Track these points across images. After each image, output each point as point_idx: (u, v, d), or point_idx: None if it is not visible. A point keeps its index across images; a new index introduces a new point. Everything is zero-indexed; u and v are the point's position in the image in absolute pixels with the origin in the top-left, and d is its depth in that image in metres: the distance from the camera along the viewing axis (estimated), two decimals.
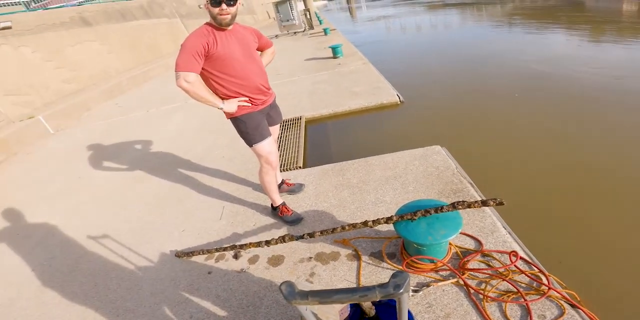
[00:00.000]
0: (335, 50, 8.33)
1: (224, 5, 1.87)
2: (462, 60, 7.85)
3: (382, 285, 0.80)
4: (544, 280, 1.75)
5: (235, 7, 1.93)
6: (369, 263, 2.07)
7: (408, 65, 8.00)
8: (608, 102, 4.47)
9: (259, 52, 2.35)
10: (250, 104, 2.19)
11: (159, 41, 12.50)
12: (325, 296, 0.84)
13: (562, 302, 1.63)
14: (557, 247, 2.30)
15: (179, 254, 2.46)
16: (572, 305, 1.62)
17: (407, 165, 3.03)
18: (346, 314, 1.40)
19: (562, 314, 1.58)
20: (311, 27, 15.57)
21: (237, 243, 2.38)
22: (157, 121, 6.01)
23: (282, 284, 0.89)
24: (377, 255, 2.11)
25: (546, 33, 9.91)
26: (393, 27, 16.67)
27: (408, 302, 0.93)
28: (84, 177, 4.26)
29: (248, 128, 2.24)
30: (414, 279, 1.89)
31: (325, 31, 13.11)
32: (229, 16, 1.93)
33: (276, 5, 14.24)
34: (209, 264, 2.35)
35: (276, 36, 15.45)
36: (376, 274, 1.99)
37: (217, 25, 1.97)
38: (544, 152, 3.44)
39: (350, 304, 1.39)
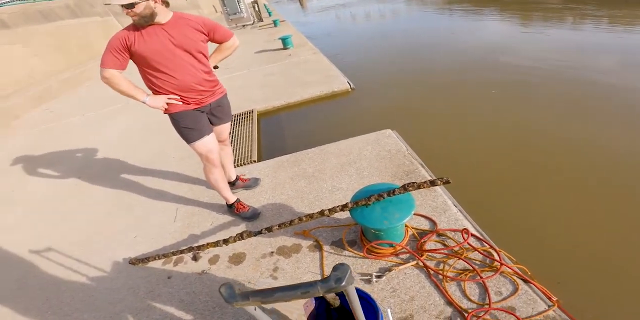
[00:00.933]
0: (285, 42, 8.23)
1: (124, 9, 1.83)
2: (408, 46, 8.04)
3: (323, 280, 0.77)
4: (496, 257, 1.82)
5: (138, 8, 1.81)
6: (330, 252, 2.07)
7: (358, 54, 8.08)
8: (543, 79, 4.77)
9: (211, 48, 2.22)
10: (181, 103, 2.11)
11: (91, 41, 11.66)
12: (266, 295, 0.80)
13: (515, 278, 1.70)
14: (504, 221, 2.39)
15: (134, 261, 2.34)
16: (525, 280, 1.70)
17: (360, 150, 3.05)
18: (312, 306, 1.37)
19: (516, 289, 1.65)
20: (260, 19, 15.25)
21: (195, 244, 2.28)
22: (96, 125, 5.64)
23: (220, 286, 0.84)
24: (338, 244, 2.11)
25: (484, 19, 10.39)
26: (343, 16, 16.72)
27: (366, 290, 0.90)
28: (19, 190, 3.91)
29: (182, 126, 2.17)
30: (375, 264, 1.91)
31: (274, 23, 12.92)
32: (136, 17, 1.85)
33: None
34: (167, 268, 2.26)
35: None
36: (339, 262, 1.98)
37: (138, 23, 1.91)
38: (489, 131, 3.61)
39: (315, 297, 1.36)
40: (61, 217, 3.18)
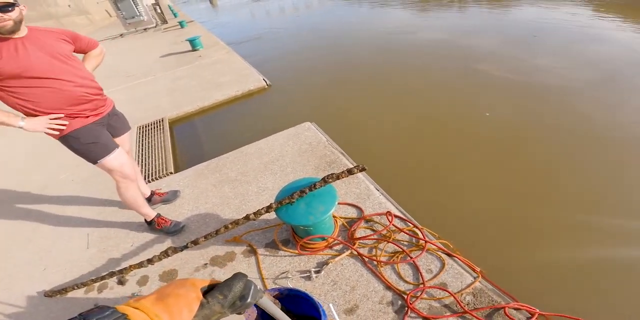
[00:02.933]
0: (193, 43, 7.82)
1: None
2: (321, 38, 8.17)
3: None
4: (420, 235, 1.93)
5: (15, 12, 1.59)
6: (266, 255, 2.02)
7: (273, 49, 7.97)
8: (437, 59, 5.21)
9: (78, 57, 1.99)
10: (67, 122, 1.84)
11: None
12: None
13: (440, 253, 1.82)
14: (422, 200, 2.53)
15: (49, 293, 2.11)
16: (449, 255, 1.82)
17: (282, 147, 3.02)
18: (254, 314, 1.30)
19: (443, 265, 1.76)
20: (164, 21, 14.24)
21: (116, 268, 2.11)
22: None
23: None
24: (272, 245, 2.07)
25: (389, 9, 11.03)
26: (257, 12, 16.36)
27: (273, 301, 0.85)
28: None
29: (84, 144, 1.91)
30: (312, 260, 1.91)
31: (181, 24, 12.21)
32: (10, 22, 1.59)
33: (115, 2, 12.47)
34: (91, 296, 2.05)
35: (121, 35, 13.69)
36: (276, 264, 1.95)
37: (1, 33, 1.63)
38: (401, 115, 3.80)
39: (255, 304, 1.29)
40: None
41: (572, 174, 2.59)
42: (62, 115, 1.82)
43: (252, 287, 0.66)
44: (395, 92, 4.37)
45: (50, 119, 1.78)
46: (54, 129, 1.81)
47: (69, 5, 18.67)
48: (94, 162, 1.98)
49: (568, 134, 3.03)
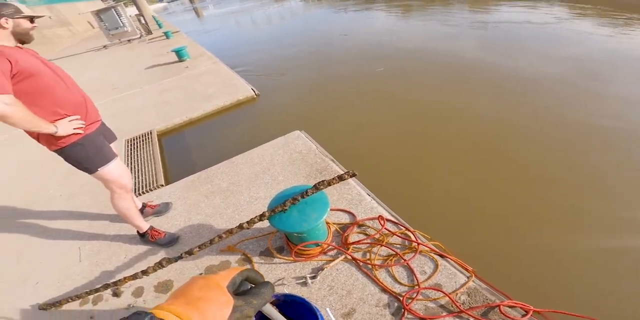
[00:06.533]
0: (179, 53, 7.83)
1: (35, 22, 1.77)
2: (309, 46, 8.28)
3: None
4: (412, 237, 1.97)
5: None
6: (261, 263, 2.03)
7: (260, 58, 8.02)
8: (422, 65, 5.35)
9: None
10: (84, 123, 1.88)
11: None
12: None
13: (433, 255, 1.86)
14: (412, 202, 2.59)
15: (44, 306, 2.09)
16: (441, 256, 1.86)
17: (272, 156, 3.05)
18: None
19: (436, 266, 1.80)
20: (149, 32, 14.22)
21: (111, 280, 2.09)
22: None
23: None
24: (267, 253, 2.08)
25: (369, 12, 11.27)
26: (243, 22, 16.45)
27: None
28: None
29: (89, 152, 1.92)
30: (307, 266, 1.93)
31: (166, 35, 12.20)
32: (33, 32, 1.79)
33: (97, 14, 12.43)
34: (87, 308, 2.04)
35: (105, 46, 13.62)
36: (272, 271, 1.96)
37: (23, 41, 1.78)
38: (390, 119, 3.88)
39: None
40: None
41: (565, 171, 2.69)
42: (79, 116, 1.85)
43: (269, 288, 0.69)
44: (382, 98, 4.46)
45: (70, 121, 1.81)
46: (77, 128, 1.84)
47: (49, 17, 18.46)
48: (94, 170, 1.96)
49: (558, 132, 3.17)
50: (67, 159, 1.92)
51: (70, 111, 1.83)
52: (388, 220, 2.11)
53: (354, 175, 1.75)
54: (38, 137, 1.80)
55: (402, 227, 2.06)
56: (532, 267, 2.02)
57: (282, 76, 6.25)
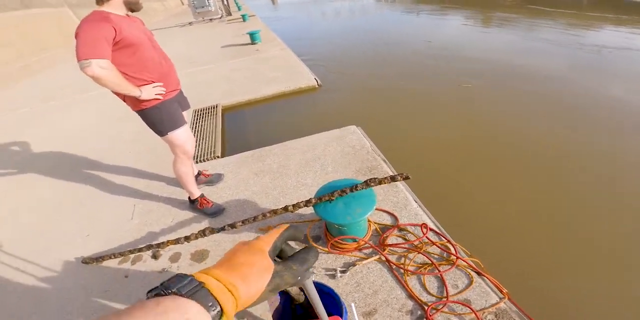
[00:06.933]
0: (253, 36, 8.10)
1: None
2: (376, 43, 8.15)
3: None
4: (452, 250, 1.90)
5: None
6: (295, 248, 2.03)
7: (327, 50, 8.07)
8: (505, 78, 5.03)
9: None
10: (165, 90, 2.04)
11: (43, 33, 10.86)
12: None
13: (470, 271, 1.78)
14: (460, 216, 2.49)
15: (87, 260, 2.23)
16: (478, 273, 1.78)
17: (325, 146, 3.07)
18: (277, 302, 1.36)
19: (470, 282, 1.73)
20: (229, 13, 14.92)
21: (154, 242, 2.22)
22: (46, 119, 5.29)
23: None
24: (303, 240, 2.10)
25: (447, 18, 10.79)
26: (314, 13, 16.68)
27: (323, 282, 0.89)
28: None
29: (163, 116, 2.08)
30: (340, 259, 1.93)
31: (243, 17, 12.69)
32: (139, 2, 1.91)
33: None
34: (124, 267, 2.17)
35: (190, 23, 14.49)
36: None
37: (135, 11, 1.91)
38: (451, 129, 3.72)
39: (280, 292, 1.35)
40: (5, 214, 2.97)
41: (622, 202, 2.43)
42: (162, 83, 2.01)
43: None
44: (448, 106, 4.29)
45: (154, 87, 1.97)
46: (158, 94, 2.00)
47: None
48: (165, 133, 2.13)
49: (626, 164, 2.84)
50: (145, 119, 2.09)
51: (156, 78, 1.99)
52: (431, 229, 2.05)
53: (407, 178, 1.71)
54: (124, 98, 1.96)
55: (443, 239, 1.99)
56: (573, 301, 1.86)
57: (347, 71, 6.22)
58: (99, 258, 2.19)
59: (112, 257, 2.15)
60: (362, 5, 17.05)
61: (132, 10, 1.91)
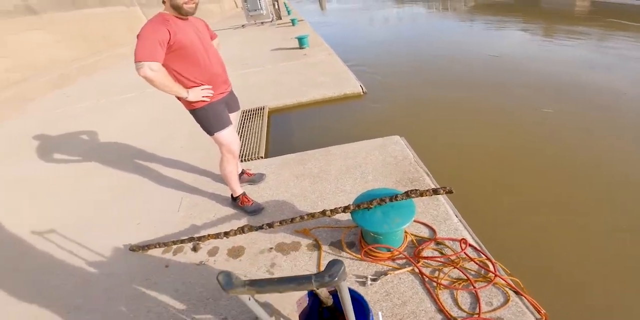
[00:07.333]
0: (301, 41, 8.27)
1: None
2: (425, 53, 8.00)
3: (317, 275, 0.80)
4: (491, 268, 1.84)
5: None
6: (329, 253, 2.09)
7: (374, 57, 8.05)
8: (556, 92, 4.74)
9: None
10: (213, 93, 2.15)
11: (114, 30, 11.81)
12: (262, 285, 0.83)
13: (507, 290, 1.72)
14: (504, 235, 2.40)
15: (134, 248, 2.37)
16: (516, 293, 1.71)
17: (367, 154, 3.07)
18: (305, 303, 1.40)
19: (507, 301, 1.66)
20: (279, 17, 15.33)
21: (196, 235, 2.32)
22: (109, 112, 5.72)
23: (219, 273, 0.87)
24: (337, 245, 2.13)
25: (505, 29, 10.33)
26: (361, 20, 16.70)
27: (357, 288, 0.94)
28: (28, 169, 3.99)
29: (210, 117, 2.19)
30: (372, 267, 1.93)
31: (292, 22, 12.98)
32: (194, 5, 1.92)
33: None
34: (166, 257, 2.29)
35: (243, 26, 15.07)
36: (334, 259, 2.00)
37: (182, 15, 1.94)
38: (498, 144, 3.59)
39: (309, 294, 1.39)
40: (66, 199, 3.24)
41: None
42: (210, 86, 2.12)
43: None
44: (497, 121, 4.12)
45: (202, 89, 2.09)
46: (205, 97, 2.11)
47: None
48: (211, 133, 2.26)
49: None
50: (195, 118, 2.23)
51: (205, 81, 2.09)
52: (470, 245, 1.99)
53: (450, 192, 1.68)
54: (178, 97, 2.09)
55: (483, 256, 1.93)
56: None
57: (393, 80, 6.16)
58: (145, 246, 2.32)
59: (157, 246, 2.27)
60: (412, 14, 16.81)
61: (180, 15, 1.93)
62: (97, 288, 2.14)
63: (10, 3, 8.52)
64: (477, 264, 1.87)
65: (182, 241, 2.16)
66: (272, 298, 1.57)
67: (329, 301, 1.28)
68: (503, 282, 1.76)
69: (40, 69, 8.57)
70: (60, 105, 6.65)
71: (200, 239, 2.08)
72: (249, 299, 0.93)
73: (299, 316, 1.35)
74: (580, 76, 5.41)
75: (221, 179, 2.93)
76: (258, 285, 0.84)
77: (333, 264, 0.82)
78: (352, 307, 0.98)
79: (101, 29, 11.30)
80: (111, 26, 11.76)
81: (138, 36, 1.82)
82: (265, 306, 1.12)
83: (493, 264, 1.85)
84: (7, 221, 3.04)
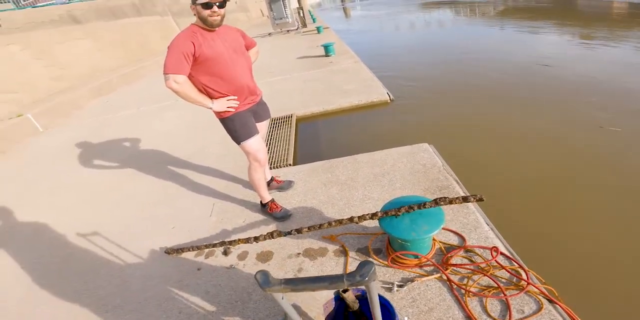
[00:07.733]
0: (327, 49, 8.35)
1: (215, 8, 1.91)
2: (453, 60, 7.90)
3: (349, 274, 0.84)
4: (524, 276, 1.79)
5: (224, 8, 1.97)
6: (355, 259, 2.10)
7: (400, 64, 8.03)
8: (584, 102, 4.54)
9: None
10: (238, 103, 2.22)
11: (150, 39, 12.42)
12: (296, 284, 0.88)
13: (540, 298, 1.67)
14: (538, 242, 2.34)
15: (169, 251, 2.47)
16: (550, 301, 1.66)
17: (394, 162, 3.07)
18: (331, 307, 1.43)
19: (539, 309, 1.62)
20: (304, 25, 15.56)
21: (227, 239, 2.39)
22: (148, 119, 5.99)
23: (257, 272, 0.92)
24: (364, 251, 2.14)
25: (537, 33, 10.01)
26: (387, 26, 16.70)
27: (379, 290, 0.98)
28: (74, 175, 4.24)
29: (236, 126, 2.27)
30: (398, 274, 1.93)
31: (318, 29, 13.13)
32: (219, 17, 1.97)
33: (269, 3, 14.22)
34: (198, 260, 2.38)
35: (269, 34, 15.43)
36: (364, 260, 2.01)
37: (208, 27, 1.99)
38: (528, 151, 3.50)
39: (335, 298, 1.42)
40: (110, 203, 3.42)
41: None
42: (236, 97, 2.20)
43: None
44: (529, 129, 3.99)
45: (227, 100, 2.17)
46: (230, 107, 2.20)
47: (235, 2, 21.99)
48: (238, 142, 2.34)
49: None
50: (224, 127, 2.32)
51: (231, 92, 2.17)
52: (502, 253, 1.95)
53: (480, 199, 1.67)
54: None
55: (515, 263, 1.89)
56: None
57: (421, 86, 6.11)
58: (179, 249, 2.41)
59: (191, 249, 2.36)
60: (438, 18, 16.61)
61: (207, 26, 1.97)
62: (134, 289, 2.25)
63: (56, 13, 9.11)
64: (508, 271, 1.83)
65: (214, 245, 2.23)
66: (300, 301, 1.61)
67: (355, 305, 1.30)
68: (536, 290, 1.72)
69: (84, 77, 9.08)
70: (103, 112, 7.02)
71: (230, 243, 2.15)
72: (282, 298, 0.98)
73: (325, 319, 1.38)
74: None
75: (251, 186, 3.02)
76: (293, 283, 0.89)
77: (364, 264, 0.86)
78: (380, 309, 1.01)
79: (138, 38, 11.89)
80: (147, 35, 12.36)
81: (168, 48, 1.93)
82: (294, 307, 1.17)
83: (526, 272, 1.81)
84: (56, 223, 3.25)
